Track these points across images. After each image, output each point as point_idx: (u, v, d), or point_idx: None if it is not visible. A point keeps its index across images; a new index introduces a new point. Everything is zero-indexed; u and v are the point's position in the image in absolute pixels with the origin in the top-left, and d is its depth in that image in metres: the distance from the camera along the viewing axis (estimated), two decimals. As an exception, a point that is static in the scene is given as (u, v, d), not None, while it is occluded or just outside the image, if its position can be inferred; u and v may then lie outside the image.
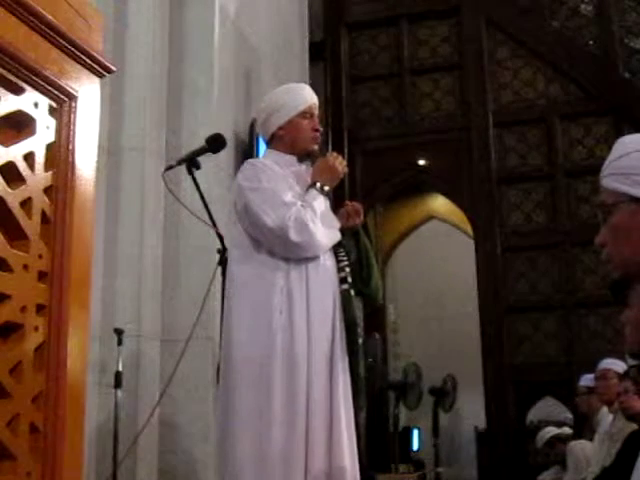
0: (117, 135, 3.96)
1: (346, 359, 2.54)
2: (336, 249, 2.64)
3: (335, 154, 2.75)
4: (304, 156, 2.71)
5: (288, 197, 2.52)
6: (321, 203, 2.56)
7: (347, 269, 2.63)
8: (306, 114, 2.68)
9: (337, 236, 2.60)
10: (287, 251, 2.49)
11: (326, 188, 2.61)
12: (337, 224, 2.61)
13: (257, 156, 4.40)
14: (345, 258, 2.65)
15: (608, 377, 4.15)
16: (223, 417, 2.49)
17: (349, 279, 2.63)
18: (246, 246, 2.54)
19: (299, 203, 2.51)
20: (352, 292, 2.63)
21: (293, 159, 2.69)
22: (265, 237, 2.51)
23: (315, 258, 2.53)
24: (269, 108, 2.71)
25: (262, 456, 2.36)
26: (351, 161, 6.17)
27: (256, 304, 2.47)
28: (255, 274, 2.51)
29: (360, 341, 2.62)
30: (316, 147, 2.71)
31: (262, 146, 4.41)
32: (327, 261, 2.58)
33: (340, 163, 2.67)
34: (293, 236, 2.44)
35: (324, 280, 2.54)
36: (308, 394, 2.41)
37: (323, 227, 2.52)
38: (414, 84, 6.47)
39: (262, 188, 2.52)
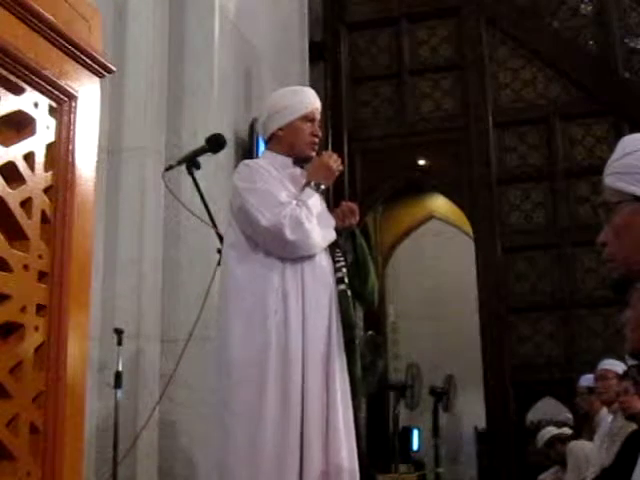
0: (117, 135, 3.96)
1: (344, 358, 2.54)
2: (332, 249, 2.63)
3: (330, 152, 2.75)
4: (301, 161, 2.70)
5: (283, 197, 2.51)
6: (316, 201, 2.56)
7: (344, 269, 2.63)
8: (307, 118, 2.67)
9: (332, 235, 2.60)
10: (283, 250, 2.49)
11: (322, 187, 2.60)
12: (333, 223, 2.61)
13: (257, 156, 4.40)
14: (342, 258, 2.65)
15: (608, 377, 4.15)
16: (218, 417, 2.48)
17: (346, 279, 2.63)
18: (242, 246, 2.54)
19: (294, 202, 2.51)
20: (349, 292, 2.63)
21: (289, 161, 2.68)
22: (261, 237, 2.50)
23: (311, 258, 2.52)
24: (271, 108, 2.70)
25: (256, 455, 2.36)
26: (351, 161, 6.18)
27: (251, 304, 2.47)
28: (251, 274, 2.50)
29: (357, 341, 2.63)
30: (313, 153, 2.70)
31: (262, 146, 4.42)
32: (323, 261, 2.58)
33: (335, 161, 2.67)
34: (288, 234, 2.44)
35: (320, 280, 2.54)
36: (303, 393, 2.41)
37: (318, 226, 2.51)
38: (414, 84, 6.46)
39: (257, 188, 2.51)
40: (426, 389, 6.18)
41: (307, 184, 2.60)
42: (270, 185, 2.53)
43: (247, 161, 2.78)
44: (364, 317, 6.82)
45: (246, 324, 2.45)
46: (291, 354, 2.42)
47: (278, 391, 2.39)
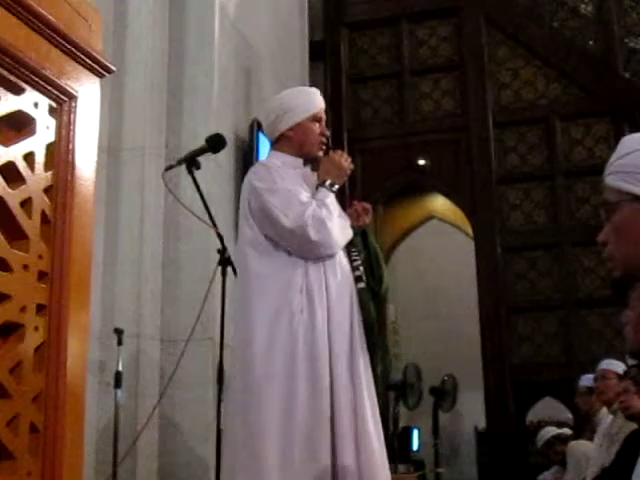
0: (117, 135, 3.96)
1: (367, 355, 2.56)
2: (349, 248, 2.65)
3: (340, 152, 2.77)
4: (308, 160, 2.72)
5: (303, 197, 2.54)
6: (333, 200, 2.59)
7: (361, 268, 2.65)
8: (316, 118, 2.70)
9: (350, 233, 2.63)
10: (307, 250, 2.50)
11: (335, 186, 2.62)
12: (349, 221, 2.64)
13: (257, 156, 4.40)
14: (358, 257, 2.67)
15: (608, 377, 4.14)
16: (242, 416, 2.45)
17: (364, 277, 2.64)
18: (263, 247, 2.54)
19: (314, 202, 2.52)
20: (367, 291, 2.64)
21: (299, 161, 2.70)
22: (284, 238, 2.51)
23: (332, 257, 2.54)
24: (280, 108, 2.70)
25: (289, 454, 2.35)
26: (351, 161, 6.17)
27: (276, 303, 2.47)
28: (274, 274, 2.51)
29: (377, 339, 2.64)
30: (321, 153, 2.72)
31: (262, 146, 4.42)
32: (343, 259, 2.60)
33: (345, 160, 2.70)
34: (313, 235, 2.46)
35: (341, 278, 2.56)
36: (332, 392, 2.42)
37: (338, 225, 2.54)
38: (414, 84, 6.47)
39: (277, 189, 2.53)
40: (426, 389, 6.17)
41: (321, 184, 2.62)
42: (290, 185, 2.55)
43: (263, 161, 2.79)
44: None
45: (271, 323, 2.45)
46: (318, 352, 2.43)
47: (308, 390, 2.40)
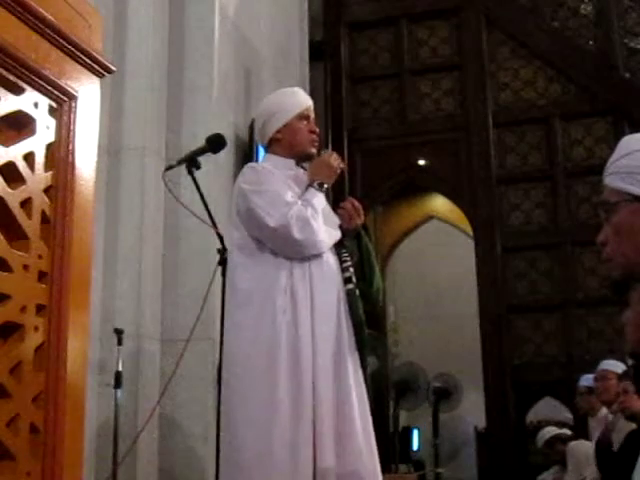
0: (117, 135, 3.96)
1: (356, 357, 2.55)
2: (339, 249, 2.65)
3: (330, 151, 2.78)
4: (303, 159, 2.73)
5: (289, 197, 2.54)
6: (320, 200, 2.58)
7: (351, 269, 2.64)
8: (303, 116, 2.70)
9: (338, 234, 2.62)
10: (291, 250, 2.50)
11: (325, 186, 2.62)
12: (337, 221, 2.63)
13: (257, 156, 4.40)
14: (348, 258, 2.66)
15: (608, 378, 4.15)
16: (226, 415, 2.48)
17: (354, 279, 2.63)
18: (249, 247, 2.55)
19: (300, 202, 2.53)
20: (357, 292, 2.64)
21: (292, 163, 2.71)
22: (268, 237, 2.52)
23: (318, 257, 2.54)
24: (265, 113, 2.73)
25: (268, 450, 2.36)
26: (351, 161, 6.18)
27: (260, 304, 2.48)
28: (259, 275, 2.52)
29: (366, 340, 2.64)
30: (314, 150, 2.72)
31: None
32: (330, 260, 2.59)
33: (335, 159, 2.69)
34: (296, 234, 2.46)
35: (328, 278, 2.55)
36: (314, 389, 2.42)
37: (324, 224, 2.54)
38: (414, 84, 6.46)
39: (264, 190, 2.53)
40: (426, 389, 6.18)
41: (310, 184, 2.62)
42: (276, 186, 2.55)
43: (252, 164, 2.80)
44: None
45: (255, 323, 2.46)
46: (301, 353, 2.43)
47: (289, 386, 2.40)
